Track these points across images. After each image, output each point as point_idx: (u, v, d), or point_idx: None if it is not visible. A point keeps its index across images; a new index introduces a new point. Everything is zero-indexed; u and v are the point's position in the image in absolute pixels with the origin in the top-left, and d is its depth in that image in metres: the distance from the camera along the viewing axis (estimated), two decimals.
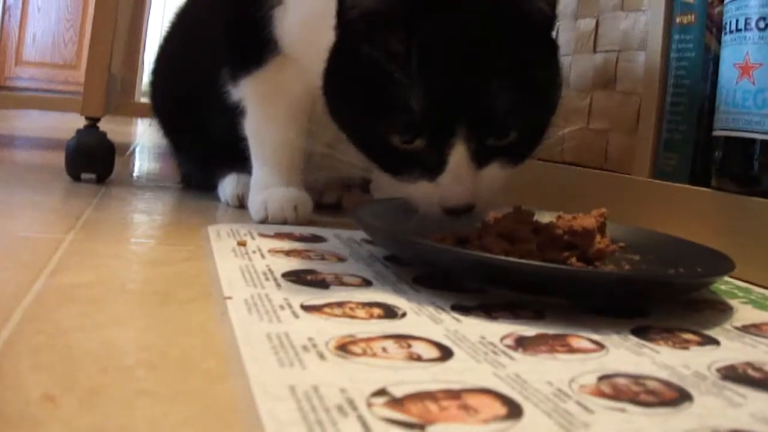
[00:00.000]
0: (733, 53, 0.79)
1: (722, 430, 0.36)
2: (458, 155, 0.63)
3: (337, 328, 0.47)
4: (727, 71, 0.80)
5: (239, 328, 0.46)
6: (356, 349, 0.43)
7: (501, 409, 0.36)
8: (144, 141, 2.17)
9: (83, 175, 1.14)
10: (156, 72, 1.16)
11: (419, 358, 0.43)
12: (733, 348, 0.51)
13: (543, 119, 0.70)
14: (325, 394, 0.35)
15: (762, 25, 0.75)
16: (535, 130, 0.69)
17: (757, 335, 0.55)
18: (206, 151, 1.05)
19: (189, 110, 1.05)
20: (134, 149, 1.91)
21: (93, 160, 1.14)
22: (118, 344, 0.44)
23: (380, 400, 0.35)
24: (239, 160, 0.95)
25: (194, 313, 0.51)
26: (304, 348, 0.42)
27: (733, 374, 0.45)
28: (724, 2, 0.81)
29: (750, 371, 0.46)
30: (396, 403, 0.35)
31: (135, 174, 1.40)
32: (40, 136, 2.08)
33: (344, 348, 0.43)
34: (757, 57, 0.76)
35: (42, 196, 1.00)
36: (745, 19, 0.77)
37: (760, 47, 0.76)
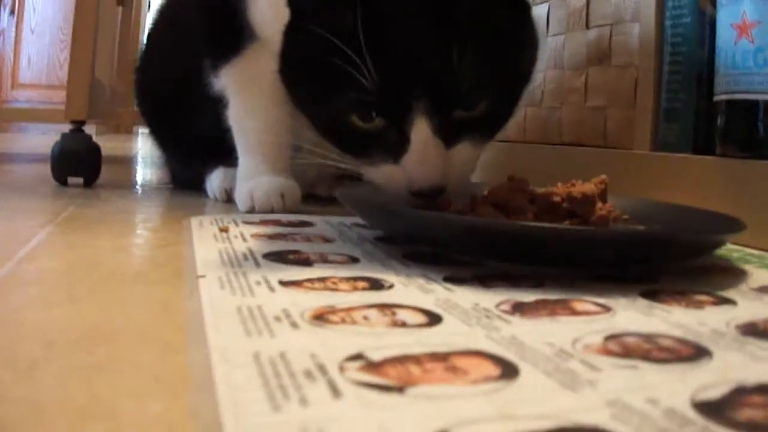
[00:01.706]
0: (729, 14, 0.75)
1: (749, 384, 0.32)
2: (421, 132, 0.58)
3: (315, 299, 0.43)
4: (724, 32, 0.76)
5: (208, 302, 0.41)
6: (334, 318, 0.39)
7: (494, 370, 0.32)
8: (144, 152, 2.15)
9: (70, 180, 1.11)
10: (139, 70, 1.13)
11: (404, 325, 0.38)
12: (752, 307, 0.47)
13: (515, 87, 0.65)
14: (292, 360, 0.31)
15: None
16: (506, 99, 0.64)
17: None
18: (192, 147, 1.02)
19: (173, 107, 1.03)
20: (132, 159, 1.88)
21: (78, 164, 1.11)
22: (71, 320, 0.40)
23: (355, 364, 0.31)
24: (226, 155, 0.92)
25: (161, 292, 0.47)
26: (276, 318, 0.38)
27: (754, 330, 0.41)
28: None
29: None
30: (373, 366, 0.31)
31: (128, 179, 1.37)
32: (36, 153, 2.06)
33: (321, 317, 0.39)
34: (755, 15, 0.72)
35: (26, 198, 0.97)
36: None
37: (757, 4, 0.72)
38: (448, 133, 0.60)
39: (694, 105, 0.85)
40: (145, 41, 1.19)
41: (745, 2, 0.73)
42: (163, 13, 1.11)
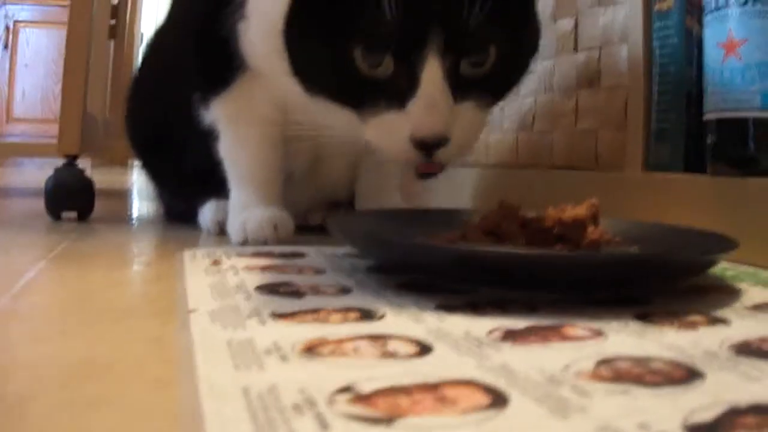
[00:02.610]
0: (716, 32, 0.76)
1: (742, 405, 0.31)
2: (432, 73, 0.59)
3: (306, 331, 0.43)
4: (711, 51, 0.77)
5: (198, 337, 0.41)
6: (324, 350, 0.39)
7: (483, 399, 0.32)
8: (138, 184, 2.15)
9: (64, 214, 1.11)
10: (129, 103, 1.14)
11: (394, 355, 0.38)
12: (745, 326, 0.47)
13: (522, 52, 0.67)
14: (281, 394, 0.31)
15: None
16: (513, 62, 0.65)
17: None
18: (184, 180, 1.02)
19: (164, 140, 1.03)
20: (127, 191, 1.88)
21: (72, 198, 1.11)
22: (60, 356, 0.40)
23: (344, 396, 0.31)
24: (218, 187, 0.92)
25: (152, 327, 0.47)
26: (267, 352, 0.38)
27: (747, 349, 0.41)
28: None
29: (767, 346, 0.42)
30: (361, 398, 0.31)
31: (122, 212, 1.37)
32: (31, 186, 2.06)
33: (311, 350, 0.39)
34: (741, 33, 0.73)
35: (20, 233, 0.97)
36: None
37: (742, 22, 0.73)
38: (456, 85, 0.60)
39: (684, 124, 0.86)
40: (134, 74, 1.20)
41: (730, 21, 0.74)
42: (153, 47, 1.11)
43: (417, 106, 0.59)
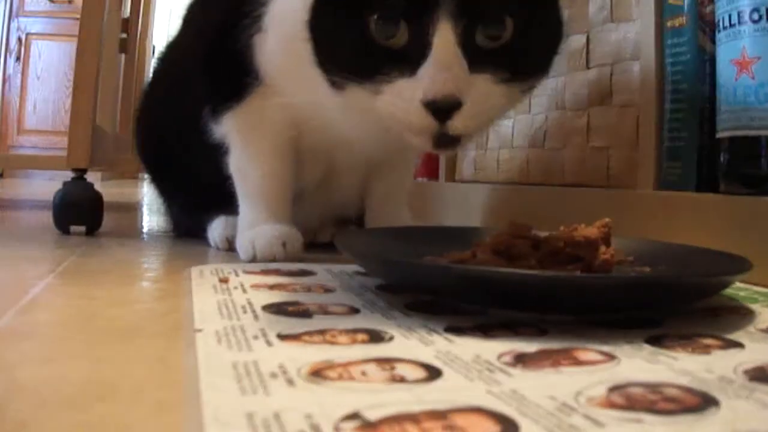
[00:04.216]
0: (729, 50, 0.75)
1: None
2: (443, 36, 0.59)
3: (313, 354, 0.42)
4: (724, 69, 0.76)
5: (204, 358, 0.41)
6: (331, 374, 0.38)
7: (493, 427, 0.31)
8: (148, 198, 2.15)
9: (73, 228, 1.11)
10: (139, 118, 1.14)
11: (402, 380, 0.38)
12: (760, 349, 0.46)
13: (542, 29, 0.67)
14: (287, 421, 0.30)
15: (756, 17, 0.72)
16: (532, 39, 0.65)
17: None
18: (193, 195, 1.02)
19: (173, 155, 1.02)
20: (135, 205, 1.88)
21: (80, 212, 1.11)
22: (64, 377, 0.39)
23: (351, 424, 0.30)
24: (227, 203, 0.92)
25: (157, 347, 0.47)
26: (272, 375, 0.37)
27: (762, 375, 0.40)
28: None
29: None
30: (369, 426, 0.30)
31: (131, 226, 1.36)
32: (40, 199, 2.07)
33: (318, 373, 0.38)
34: (754, 50, 0.72)
35: (28, 247, 0.97)
36: (738, 13, 0.73)
37: (756, 40, 0.72)
38: (472, 55, 0.60)
39: (697, 143, 0.85)
40: (145, 88, 1.20)
41: (744, 38, 0.73)
42: (164, 60, 1.11)
43: (428, 68, 0.60)
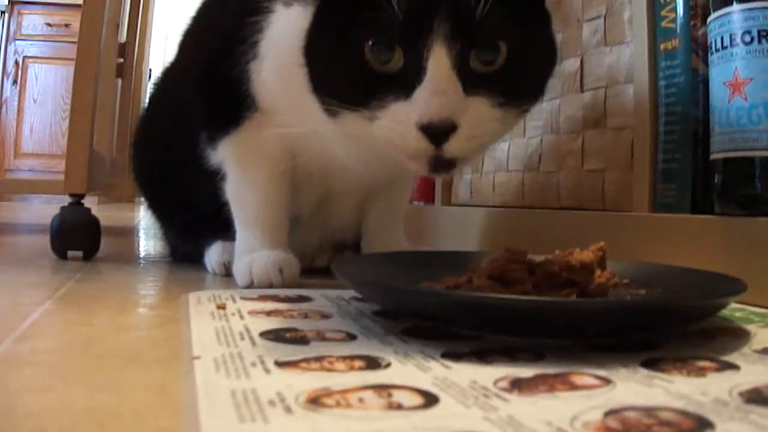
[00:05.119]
0: (721, 72, 0.76)
1: None
2: (438, 60, 0.60)
3: (310, 381, 0.42)
4: (717, 91, 0.77)
5: (202, 385, 0.41)
6: (329, 401, 0.38)
7: None
8: (145, 222, 2.15)
9: (70, 253, 1.11)
10: (136, 143, 1.14)
11: (399, 407, 0.38)
12: (755, 371, 0.46)
13: (536, 54, 0.67)
14: None
15: (747, 39, 0.73)
16: (526, 64, 0.65)
17: None
18: (190, 221, 1.02)
19: (170, 180, 1.03)
20: (133, 229, 1.88)
21: (77, 237, 1.12)
22: (64, 405, 0.40)
23: None
24: (224, 228, 0.92)
25: (156, 374, 0.47)
26: (271, 403, 0.37)
27: (758, 397, 0.40)
28: (707, 22, 0.78)
29: None
30: None
31: (128, 251, 1.37)
32: (37, 223, 2.07)
33: (316, 401, 0.38)
34: (747, 72, 0.73)
35: (25, 272, 0.97)
36: (730, 35, 0.74)
37: (748, 62, 0.73)
38: (466, 78, 0.61)
39: (691, 164, 0.86)
40: (141, 113, 1.20)
41: (736, 60, 0.74)
42: (161, 86, 1.12)
43: (423, 92, 0.60)
